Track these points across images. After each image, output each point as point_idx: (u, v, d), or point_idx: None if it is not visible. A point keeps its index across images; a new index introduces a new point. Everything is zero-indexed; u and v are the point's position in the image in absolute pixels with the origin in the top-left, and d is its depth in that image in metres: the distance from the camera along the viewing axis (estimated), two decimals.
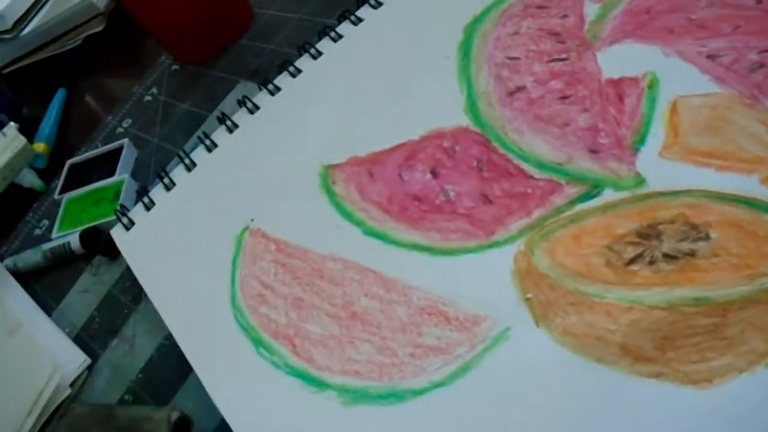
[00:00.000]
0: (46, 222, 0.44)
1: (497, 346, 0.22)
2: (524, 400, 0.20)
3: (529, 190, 0.25)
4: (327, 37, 0.37)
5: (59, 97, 0.56)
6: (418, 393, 0.22)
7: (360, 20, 0.37)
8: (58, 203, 0.43)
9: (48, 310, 0.37)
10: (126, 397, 0.30)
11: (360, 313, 0.25)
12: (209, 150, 0.36)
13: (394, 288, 0.25)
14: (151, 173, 0.42)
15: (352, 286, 0.26)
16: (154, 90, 0.49)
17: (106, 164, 0.43)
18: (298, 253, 0.28)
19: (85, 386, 0.32)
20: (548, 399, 0.20)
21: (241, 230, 0.30)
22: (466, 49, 0.32)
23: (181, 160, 0.37)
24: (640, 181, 0.23)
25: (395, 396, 0.22)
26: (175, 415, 0.26)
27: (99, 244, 0.38)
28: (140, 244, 0.34)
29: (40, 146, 0.51)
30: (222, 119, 0.37)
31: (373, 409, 0.22)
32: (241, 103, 0.37)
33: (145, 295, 0.32)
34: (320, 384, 0.24)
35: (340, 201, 0.29)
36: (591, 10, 0.30)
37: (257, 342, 0.26)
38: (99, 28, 0.59)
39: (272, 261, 0.28)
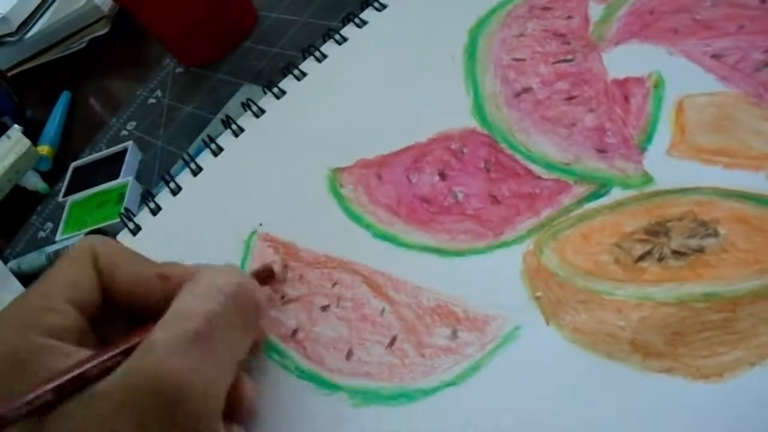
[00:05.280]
0: (50, 224, 0.45)
1: (507, 345, 0.22)
2: (535, 398, 0.20)
3: (537, 191, 0.25)
4: (332, 40, 0.38)
5: (63, 99, 0.56)
6: (428, 393, 0.22)
7: (364, 23, 0.37)
8: (62, 206, 0.43)
9: None
10: None
11: (370, 315, 0.25)
12: (215, 154, 0.36)
13: (404, 289, 0.25)
14: (155, 176, 0.42)
15: (362, 289, 0.26)
16: (159, 92, 0.49)
17: (111, 167, 0.43)
18: (307, 257, 0.28)
19: None
20: (559, 396, 0.20)
21: (249, 234, 0.30)
22: (471, 50, 0.32)
23: (187, 164, 0.37)
24: (648, 179, 0.23)
25: (406, 396, 0.22)
26: None
27: None
28: (147, 249, 0.34)
29: (44, 149, 0.51)
30: (227, 123, 0.37)
31: (384, 409, 0.22)
32: (246, 106, 0.37)
33: None
34: (331, 386, 0.24)
35: (349, 204, 0.29)
36: (595, 11, 0.30)
37: (267, 346, 0.26)
38: (103, 31, 0.59)
39: (281, 265, 0.28)
